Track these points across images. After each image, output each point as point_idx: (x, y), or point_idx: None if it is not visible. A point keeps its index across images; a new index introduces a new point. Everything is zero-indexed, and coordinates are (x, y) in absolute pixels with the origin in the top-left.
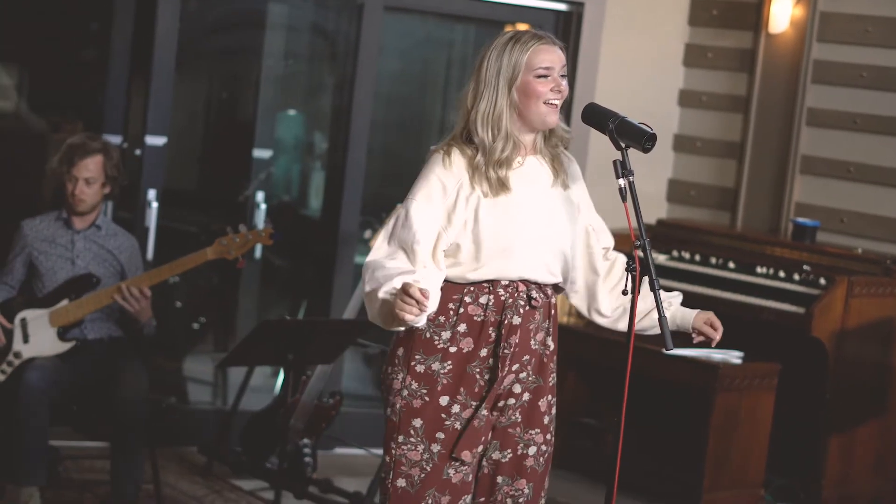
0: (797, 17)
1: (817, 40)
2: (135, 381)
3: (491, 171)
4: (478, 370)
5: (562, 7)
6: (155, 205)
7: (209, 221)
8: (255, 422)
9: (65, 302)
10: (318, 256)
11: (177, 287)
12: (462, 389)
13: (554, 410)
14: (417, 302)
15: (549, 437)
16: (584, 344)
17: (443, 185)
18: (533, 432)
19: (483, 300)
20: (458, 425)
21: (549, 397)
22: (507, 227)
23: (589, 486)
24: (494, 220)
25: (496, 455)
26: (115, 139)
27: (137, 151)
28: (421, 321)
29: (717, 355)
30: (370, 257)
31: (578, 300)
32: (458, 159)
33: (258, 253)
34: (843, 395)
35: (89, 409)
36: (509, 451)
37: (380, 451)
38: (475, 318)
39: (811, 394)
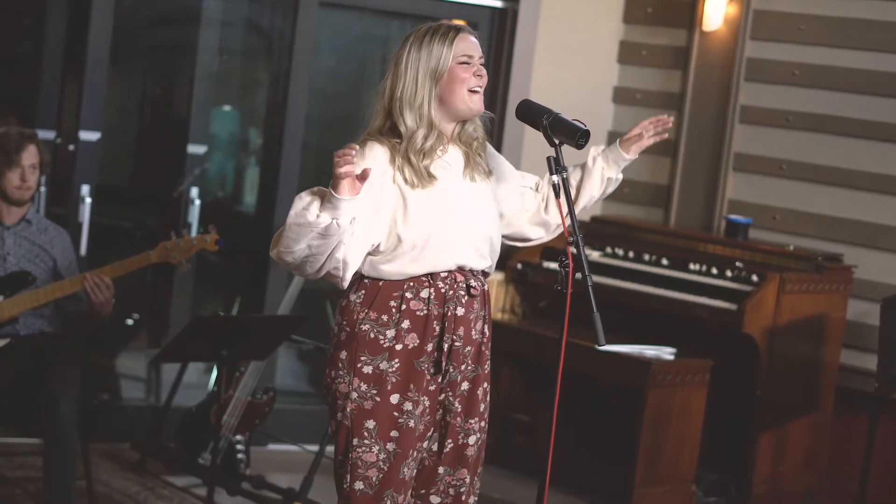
0: (731, 15)
1: (751, 38)
2: (66, 378)
3: (414, 158)
4: (425, 365)
5: (497, 4)
6: (88, 200)
7: (143, 217)
8: (188, 418)
9: None
10: (252, 252)
11: None
12: (412, 386)
13: (488, 398)
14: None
15: (483, 424)
16: (518, 340)
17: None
18: (472, 421)
19: (424, 294)
20: (412, 423)
21: (486, 385)
22: (440, 217)
23: (522, 482)
24: (427, 212)
25: (436, 446)
26: (49, 134)
27: (71, 146)
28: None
29: (649, 351)
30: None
31: (540, 237)
32: (374, 152)
33: None
34: (775, 391)
35: (21, 406)
36: (450, 441)
37: (313, 448)
38: (418, 312)
39: (743, 389)
